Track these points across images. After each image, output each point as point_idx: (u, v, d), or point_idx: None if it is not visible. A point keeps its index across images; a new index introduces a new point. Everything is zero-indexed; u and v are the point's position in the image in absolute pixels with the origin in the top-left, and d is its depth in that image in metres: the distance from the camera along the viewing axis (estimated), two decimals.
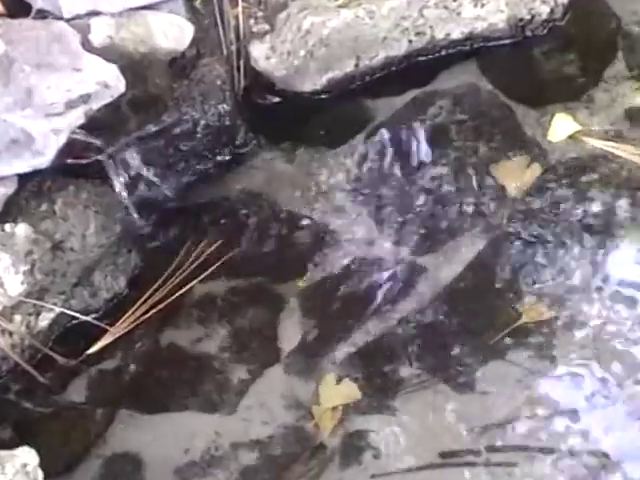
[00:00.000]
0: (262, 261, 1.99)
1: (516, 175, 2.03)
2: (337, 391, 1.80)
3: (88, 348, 1.86)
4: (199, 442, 1.77)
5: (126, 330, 1.87)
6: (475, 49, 2.20)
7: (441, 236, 1.98)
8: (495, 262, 1.93)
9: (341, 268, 1.96)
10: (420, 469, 1.70)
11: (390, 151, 2.11)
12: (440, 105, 2.16)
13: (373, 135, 2.13)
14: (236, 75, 2.10)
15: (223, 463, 1.75)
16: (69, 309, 1.85)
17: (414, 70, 2.18)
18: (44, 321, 1.82)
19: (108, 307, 1.92)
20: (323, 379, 1.82)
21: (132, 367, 1.88)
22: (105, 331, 1.87)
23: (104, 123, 1.85)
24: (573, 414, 1.74)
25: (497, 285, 1.90)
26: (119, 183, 1.93)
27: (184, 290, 1.90)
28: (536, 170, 2.04)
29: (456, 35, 2.16)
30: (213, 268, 1.92)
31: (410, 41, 2.14)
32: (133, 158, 1.97)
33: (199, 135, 2.04)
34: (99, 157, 1.89)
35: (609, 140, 2.05)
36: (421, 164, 2.08)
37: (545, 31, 2.22)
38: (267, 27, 2.12)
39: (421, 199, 2.03)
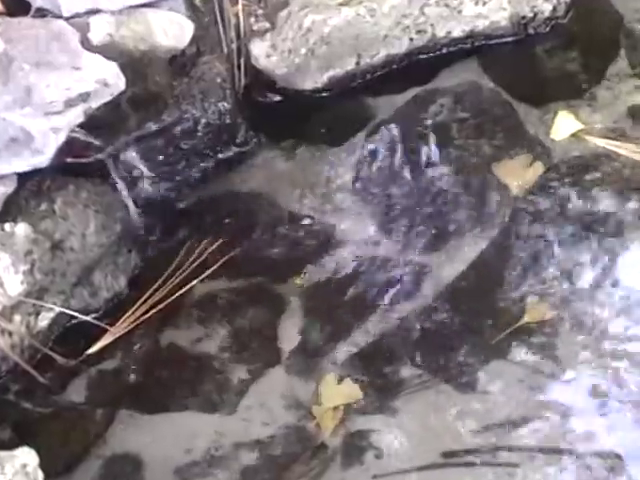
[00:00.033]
0: (263, 261, 1.98)
1: (518, 174, 2.03)
2: (338, 391, 1.80)
3: (88, 348, 1.86)
4: (199, 442, 1.77)
5: (126, 330, 1.87)
6: (477, 47, 2.20)
7: (443, 235, 1.97)
8: (497, 261, 1.93)
9: (342, 267, 1.96)
10: (422, 469, 1.70)
11: (391, 150, 2.10)
12: (441, 103, 2.15)
13: (374, 133, 2.13)
14: (236, 73, 2.10)
15: (223, 463, 1.74)
16: (69, 309, 1.84)
17: (415, 68, 2.18)
18: (44, 321, 1.82)
19: (108, 307, 1.91)
20: (324, 379, 1.81)
21: (132, 367, 1.87)
22: (105, 331, 1.87)
23: (104, 122, 1.85)
24: (576, 414, 1.73)
25: (499, 285, 1.90)
26: (119, 182, 1.92)
27: (184, 290, 1.89)
28: (538, 169, 2.04)
29: (457, 33, 2.16)
30: (214, 268, 1.92)
31: (411, 39, 2.14)
32: (133, 157, 1.96)
33: (199, 133, 2.04)
34: (99, 156, 1.89)
35: (612, 138, 2.05)
36: (422, 163, 2.08)
37: (547, 29, 2.22)
38: (268, 25, 2.12)
39: (423, 198, 2.03)
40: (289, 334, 1.88)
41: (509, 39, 2.20)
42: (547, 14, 2.20)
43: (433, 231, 1.98)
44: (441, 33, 2.15)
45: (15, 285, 1.74)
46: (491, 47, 2.20)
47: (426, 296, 1.90)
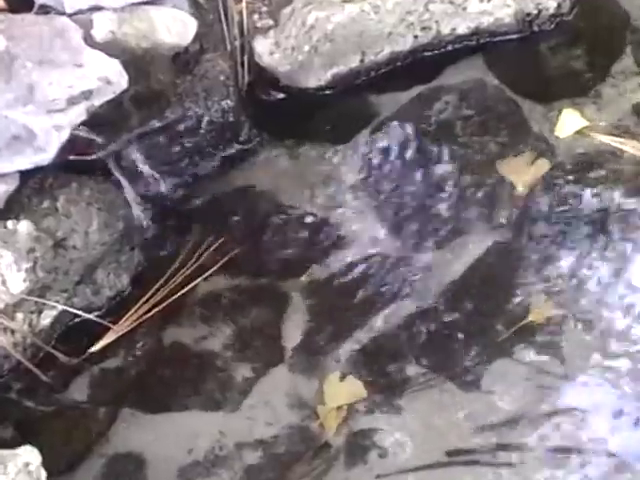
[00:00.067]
0: (266, 259, 1.98)
1: (523, 171, 2.03)
2: (342, 390, 1.80)
3: (91, 346, 1.86)
4: (202, 441, 1.77)
5: (129, 328, 1.87)
6: (481, 44, 2.19)
7: (447, 233, 1.97)
8: (502, 259, 1.93)
9: (346, 265, 1.95)
10: (426, 468, 1.70)
11: (395, 147, 2.10)
12: (446, 101, 2.15)
13: (378, 131, 2.12)
14: (240, 71, 2.10)
15: (227, 462, 1.74)
16: (71, 307, 1.84)
17: (420, 65, 2.18)
18: (46, 319, 1.82)
19: (111, 305, 1.91)
20: (327, 378, 1.81)
21: (135, 366, 1.87)
22: (108, 329, 1.86)
23: (106, 119, 1.85)
24: (581, 413, 1.73)
25: (505, 283, 1.90)
26: (122, 179, 1.92)
27: (187, 288, 1.89)
28: (543, 166, 2.03)
29: (462, 30, 2.15)
30: (217, 266, 1.91)
31: (416, 36, 2.13)
32: (136, 155, 1.96)
33: (202, 131, 2.03)
34: (101, 154, 1.88)
35: (617, 136, 2.04)
36: (427, 161, 2.07)
37: (552, 26, 2.21)
38: (271, 22, 2.12)
39: (427, 195, 2.02)
40: (293, 332, 1.88)
41: (514, 36, 2.19)
42: (552, 11, 2.19)
43: (438, 229, 1.98)
44: (446, 30, 2.14)
45: (17, 283, 1.74)
46: (496, 44, 2.19)
47: (431, 294, 1.89)
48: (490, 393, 1.76)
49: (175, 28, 1.94)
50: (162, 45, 1.93)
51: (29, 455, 1.55)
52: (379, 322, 1.87)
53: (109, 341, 1.86)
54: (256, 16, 2.12)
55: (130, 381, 1.86)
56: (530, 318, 1.83)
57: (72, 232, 1.83)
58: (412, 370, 1.81)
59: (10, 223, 1.76)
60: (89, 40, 1.82)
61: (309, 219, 2.02)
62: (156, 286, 1.88)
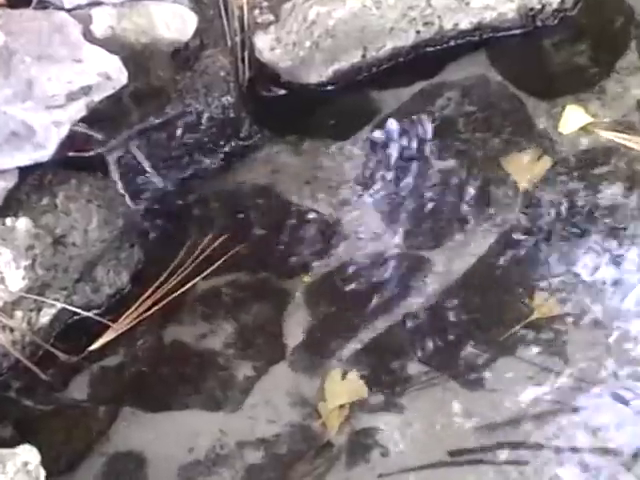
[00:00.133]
0: (267, 256, 1.98)
1: (526, 168, 2.02)
2: (344, 388, 1.80)
3: (90, 344, 1.86)
4: (203, 440, 1.77)
5: (129, 326, 1.86)
6: (484, 39, 2.19)
7: (450, 230, 1.96)
8: (505, 257, 1.92)
9: (347, 263, 1.95)
10: (428, 467, 1.70)
11: (397, 144, 2.09)
12: (448, 97, 2.15)
13: (380, 127, 2.12)
14: (240, 66, 2.09)
15: (228, 461, 1.74)
16: (71, 305, 1.84)
17: (422, 61, 2.17)
18: (45, 317, 1.81)
19: (110, 303, 1.91)
20: (329, 376, 1.81)
21: (135, 364, 1.87)
22: (107, 327, 1.86)
23: (106, 115, 1.85)
24: (584, 412, 1.72)
25: (507, 280, 1.89)
26: (118, 176, 1.91)
27: (188, 286, 1.88)
28: (547, 162, 2.03)
29: (465, 25, 2.15)
30: (217, 263, 1.91)
31: (418, 31, 2.13)
32: (135, 151, 1.95)
33: (203, 127, 2.03)
34: (101, 150, 1.88)
35: (621, 132, 2.04)
36: (429, 157, 2.06)
37: (556, 21, 2.21)
38: (272, 17, 2.11)
39: (429, 192, 2.02)
40: (294, 330, 1.88)
41: (517, 31, 2.19)
42: (555, 6, 2.18)
43: (440, 226, 1.97)
44: (448, 25, 2.14)
45: (16, 281, 1.73)
46: (499, 40, 2.19)
47: (433, 292, 1.89)
48: (493, 392, 1.76)
49: (175, 24, 1.94)
50: (162, 41, 1.93)
51: (28, 454, 1.55)
52: (381, 320, 1.87)
53: (109, 339, 1.85)
54: (257, 11, 2.12)
55: (130, 379, 1.85)
56: (534, 316, 1.83)
57: (71, 229, 1.83)
58: (414, 368, 1.80)
59: (9, 220, 1.76)
60: (88, 35, 1.82)
61: (310, 215, 2.01)
62: (156, 284, 1.88)
